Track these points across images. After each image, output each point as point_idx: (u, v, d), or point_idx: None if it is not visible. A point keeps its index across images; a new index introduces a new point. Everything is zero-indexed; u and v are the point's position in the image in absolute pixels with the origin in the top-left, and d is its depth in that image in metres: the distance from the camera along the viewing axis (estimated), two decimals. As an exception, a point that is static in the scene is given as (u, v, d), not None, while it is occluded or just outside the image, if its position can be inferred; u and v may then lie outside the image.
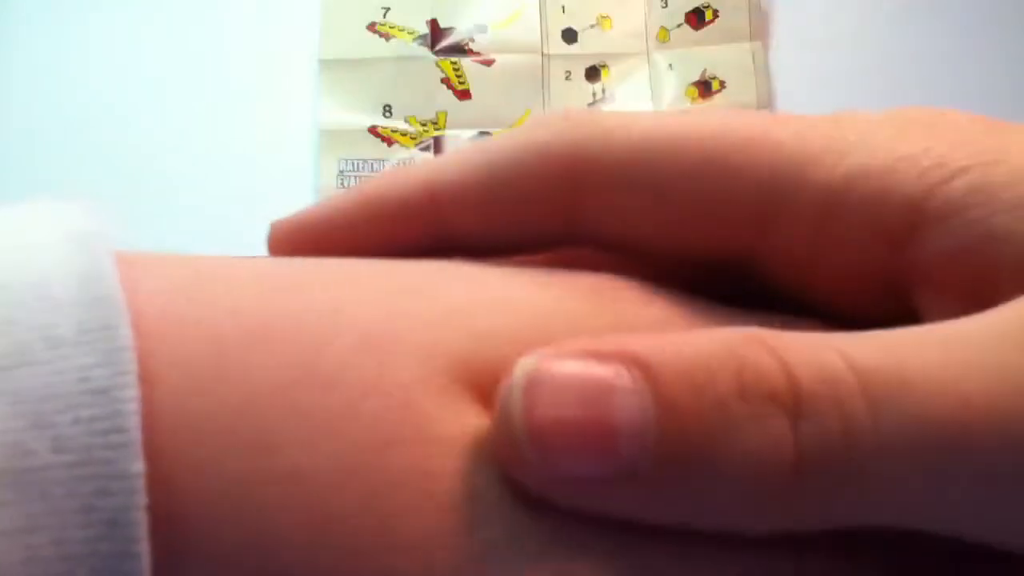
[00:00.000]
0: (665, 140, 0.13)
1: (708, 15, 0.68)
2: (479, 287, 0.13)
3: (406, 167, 0.17)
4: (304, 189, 0.64)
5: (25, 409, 0.09)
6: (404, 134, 0.67)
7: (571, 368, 0.10)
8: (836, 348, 0.10)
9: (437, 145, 0.67)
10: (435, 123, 0.67)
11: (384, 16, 0.67)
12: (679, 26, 0.68)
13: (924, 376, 0.10)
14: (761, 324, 0.11)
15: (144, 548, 0.09)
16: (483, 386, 0.11)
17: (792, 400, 0.10)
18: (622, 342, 0.11)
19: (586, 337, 0.11)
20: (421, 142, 0.67)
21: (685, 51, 0.68)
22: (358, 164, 0.66)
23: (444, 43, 0.67)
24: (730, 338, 0.10)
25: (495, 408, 0.11)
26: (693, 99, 0.67)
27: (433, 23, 0.67)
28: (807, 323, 0.13)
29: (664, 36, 0.68)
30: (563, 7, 0.68)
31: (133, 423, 0.10)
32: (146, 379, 0.10)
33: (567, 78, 0.68)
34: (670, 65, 0.68)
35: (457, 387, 0.11)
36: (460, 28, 0.68)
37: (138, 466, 0.09)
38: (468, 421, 0.11)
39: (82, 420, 0.09)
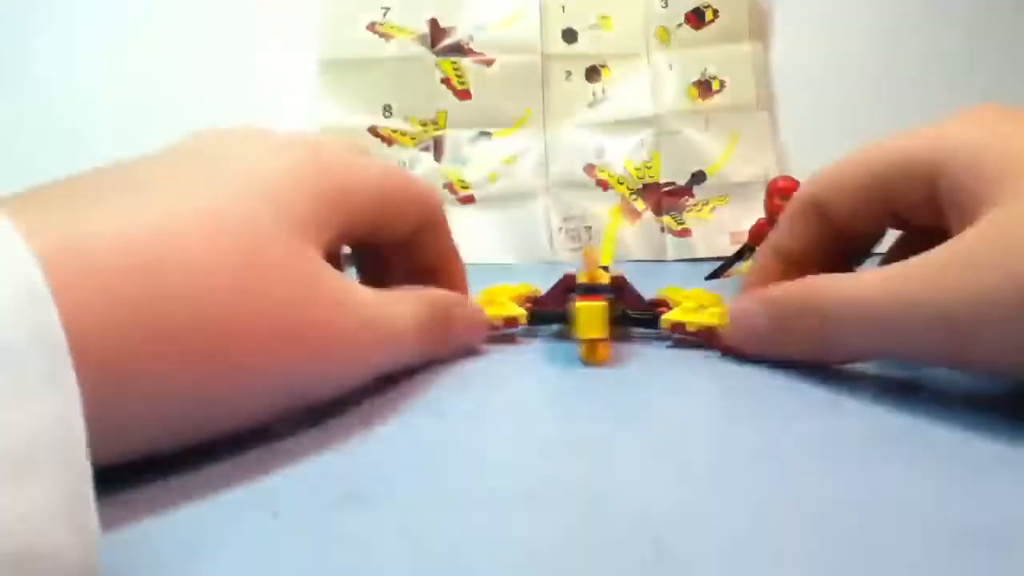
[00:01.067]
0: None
1: (708, 15, 0.68)
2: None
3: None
4: (304, 189, 0.64)
5: None
6: (404, 134, 0.67)
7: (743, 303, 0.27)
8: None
9: (437, 145, 0.67)
10: (435, 123, 0.67)
11: (384, 16, 0.67)
12: (679, 26, 0.68)
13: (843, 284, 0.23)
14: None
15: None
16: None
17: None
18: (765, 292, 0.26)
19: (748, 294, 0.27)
20: (421, 142, 0.67)
21: (685, 51, 0.68)
22: (358, 164, 0.66)
23: (444, 43, 0.67)
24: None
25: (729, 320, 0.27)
26: (693, 99, 0.67)
27: (433, 23, 0.67)
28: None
29: (664, 36, 0.68)
30: (563, 7, 0.67)
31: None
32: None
33: (567, 78, 0.67)
34: (670, 65, 0.68)
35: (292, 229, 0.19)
36: (460, 28, 0.67)
37: None
38: (293, 247, 0.19)
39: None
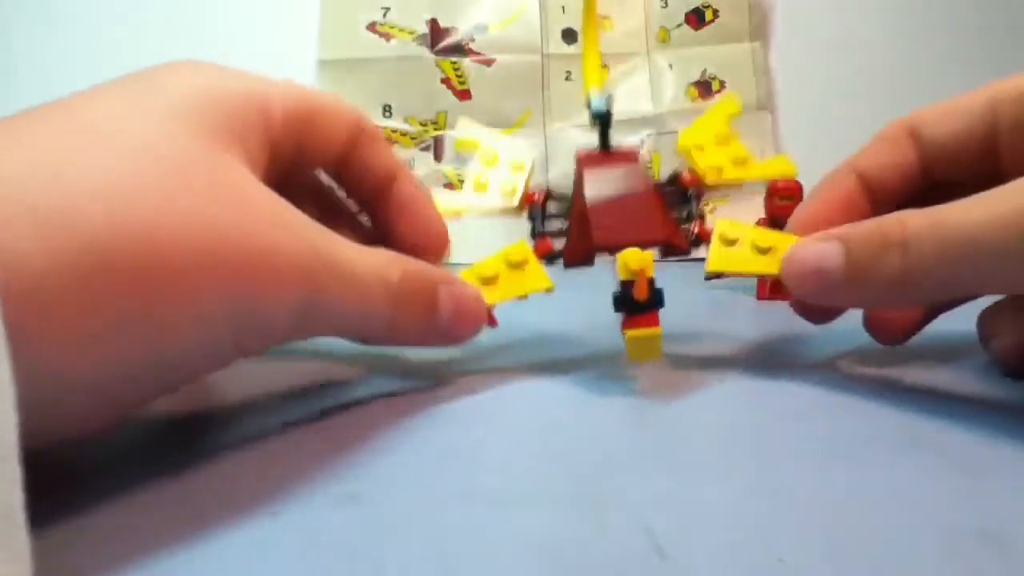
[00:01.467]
0: None
1: (708, 15, 0.68)
2: None
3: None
4: (304, 189, 0.64)
5: None
6: (404, 134, 0.67)
7: (811, 244, 0.22)
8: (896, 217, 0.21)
9: (437, 145, 0.67)
10: (435, 123, 0.67)
11: (384, 16, 0.67)
12: (679, 26, 0.68)
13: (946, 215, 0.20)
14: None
15: None
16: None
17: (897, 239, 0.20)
18: (833, 230, 0.22)
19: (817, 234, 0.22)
20: (421, 142, 0.67)
21: (685, 51, 0.68)
22: (358, 164, 0.66)
23: (444, 43, 0.67)
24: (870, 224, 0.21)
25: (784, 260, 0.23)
26: (693, 99, 0.67)
27: (433, 23, 0.67)
28: None
29: (664, 36, 0.68)
30: (563, 7, 0.68)
31: None
32: None
33: (567, 78, 0.68)
34: (670, 65, 0.68)
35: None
36: (460, 28, 0.68)
37: None
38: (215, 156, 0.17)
39: None
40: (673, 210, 0.28)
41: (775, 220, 0.43)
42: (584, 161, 0.28)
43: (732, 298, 0.44)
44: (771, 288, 0.24)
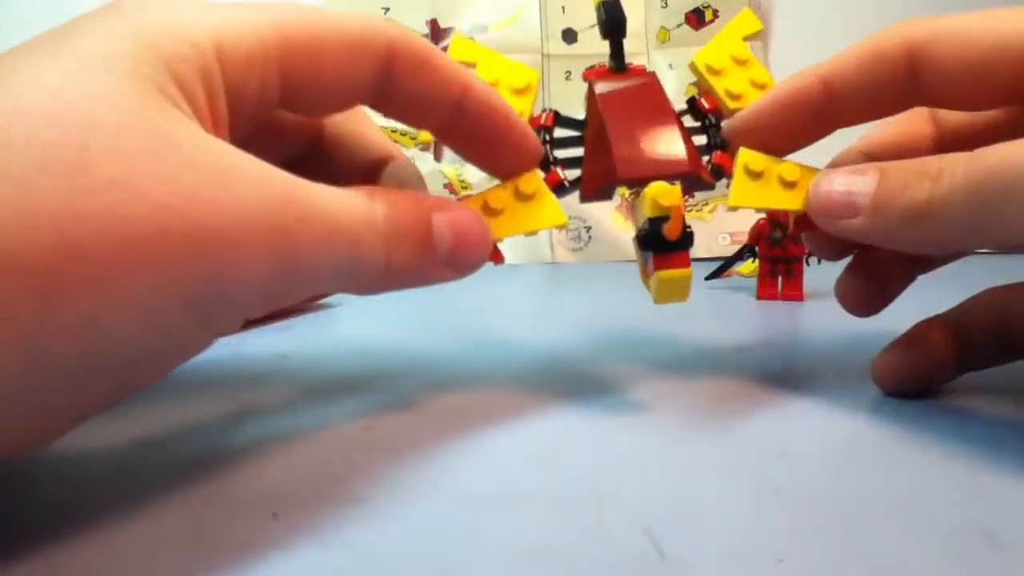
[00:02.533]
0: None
1: (708, 15, 0.68)
2: None
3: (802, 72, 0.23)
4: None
5: None
6: (404, 134, 0.67)
7: (842, 175, 0.21)
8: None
9: (437, 145, 0.67)
10: (435, 123, 0.67)
11: (384, 16, 0.67)
12: (679, 26, 0.68)
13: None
14: None
15: None
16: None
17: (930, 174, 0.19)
18: (873, 164, 0.20)
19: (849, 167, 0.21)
20: (421, 142, 0.67)
21: (685, 51, 0.68)
22: (358, 164, 0.66)
23: (444, 43, 0.67)
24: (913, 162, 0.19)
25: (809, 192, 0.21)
26: (693, 99, 0.67)
27: (433, 23, 0.67)
28: None
29: (664, 36, 0.68)
30: (563, 7, 0.68)
31: None
32: None
33: (567, 78, 0.68)
34: (670, 65, 0.68)
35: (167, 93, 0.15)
36: (460, 28, 0.67)
37: None
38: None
39: None
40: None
41: (774, 219, 0.43)
42: (597, 81, 0.24)
43: (732, 298, 0.44)
44: (795, 222, 0.23)
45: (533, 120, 0.24)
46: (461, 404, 0.23)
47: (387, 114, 0.22)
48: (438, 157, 0.67)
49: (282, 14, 0.18)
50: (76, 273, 0.13)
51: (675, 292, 0.21)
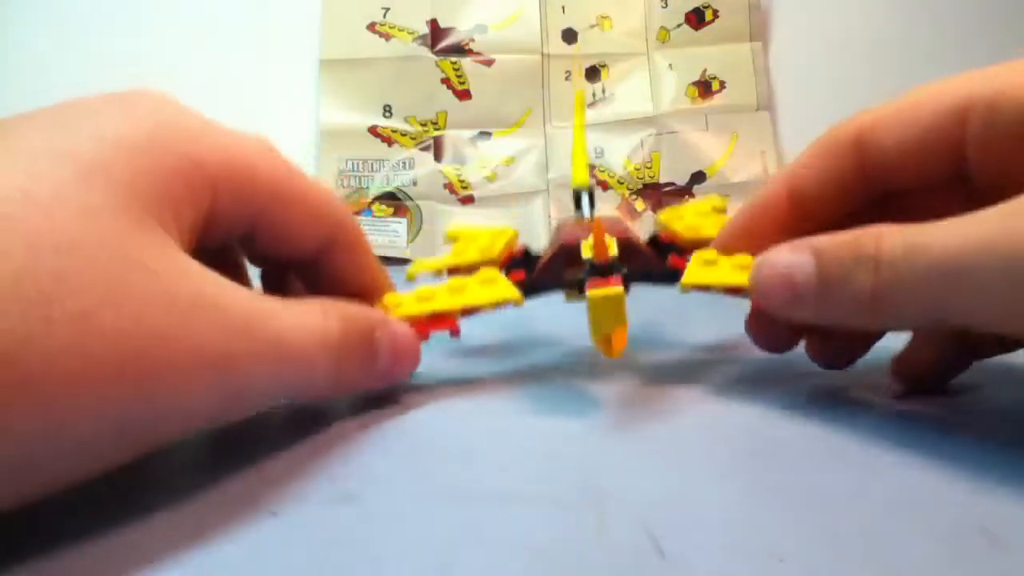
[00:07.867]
0: None
1: (708, 15, 0.68)
2: None
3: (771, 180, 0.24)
4: (304, 189, 0.64)
5: None
6: (404, 134, 0.67)
7: (783, 254, 0.20)
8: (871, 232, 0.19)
9: (437, 145, 0.67)
10: (435, 123, 0.67)
11: (384, 16, 0.67)
12: (679, 26, 0.68)
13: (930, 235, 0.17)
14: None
15: None
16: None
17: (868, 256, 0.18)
18: (807, 241, 0.20)
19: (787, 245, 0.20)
20: (421, 142, 0.67)
21: (685, 51, 0.68)
22: (358, 164, 0.66)
23: (444, 43, 0.67)
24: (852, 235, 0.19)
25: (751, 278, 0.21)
26: (693, 99, 0.67)
27: (433, 23, 0.67)
28: None
29: (664, 36, 0.68)
30: (563, 7, 0.67)
31: None
32: None
33: (567, 78, 0.67)
34: (670, 65, 0.68)
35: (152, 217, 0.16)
36: (460, 28, 0.67)
37: None
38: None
39: None
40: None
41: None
42: (563, 228, 0.27)
43: (725, 298, 0.44)
44: (752, 314, 0.24)
45: (507, 253, 0.28)
46: (460, 404, 0.23)
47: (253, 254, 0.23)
48: (438, 157, 0.67)
49: (271, 164, 0.20)
50: (22, 403, 0.13)
51: (609, 315, 0.21)
